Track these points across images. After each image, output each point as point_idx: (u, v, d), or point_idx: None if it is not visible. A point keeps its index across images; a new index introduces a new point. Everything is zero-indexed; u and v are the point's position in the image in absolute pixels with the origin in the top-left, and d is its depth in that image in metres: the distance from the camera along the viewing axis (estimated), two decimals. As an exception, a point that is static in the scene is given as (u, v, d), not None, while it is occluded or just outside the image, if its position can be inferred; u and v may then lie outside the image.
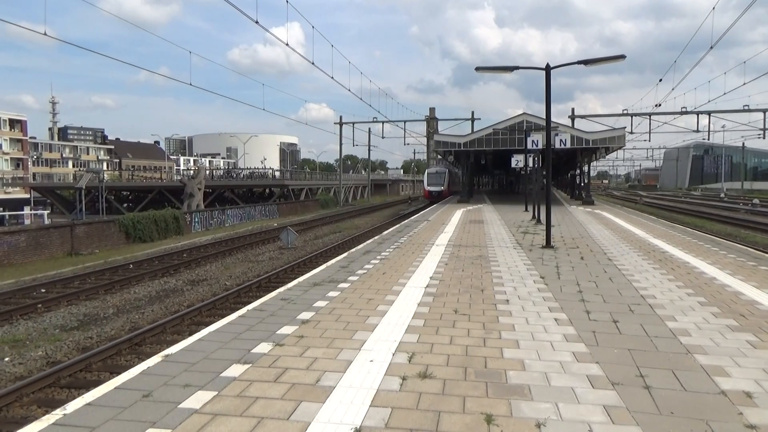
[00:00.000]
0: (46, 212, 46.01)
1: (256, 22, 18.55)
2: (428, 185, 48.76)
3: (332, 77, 32.37)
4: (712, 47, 24.16)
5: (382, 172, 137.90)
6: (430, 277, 9.03)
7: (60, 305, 12.87)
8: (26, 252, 19.85)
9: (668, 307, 6.97)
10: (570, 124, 38.26)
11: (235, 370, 4.77)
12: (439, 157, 47.34)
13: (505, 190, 61.91)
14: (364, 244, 14.23)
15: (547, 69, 12.79)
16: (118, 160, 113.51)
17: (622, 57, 12.46)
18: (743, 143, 76.52)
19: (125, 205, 54.83)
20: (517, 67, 13.35)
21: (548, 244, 12.78)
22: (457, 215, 23.00)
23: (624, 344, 5.44)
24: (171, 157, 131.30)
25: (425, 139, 58.52)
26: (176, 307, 12.65)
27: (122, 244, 24.36)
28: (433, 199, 45.66)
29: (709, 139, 55.53)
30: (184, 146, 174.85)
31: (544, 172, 18.28)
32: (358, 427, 3.70)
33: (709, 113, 41.09)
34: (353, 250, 13.04)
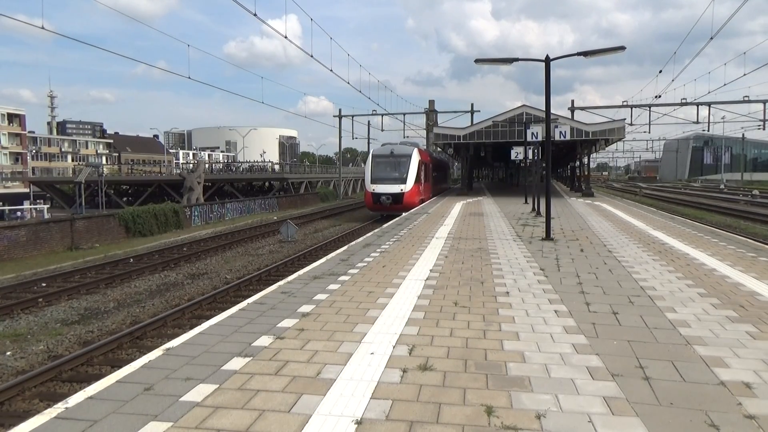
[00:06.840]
0: (45, 207, 45.94)
1: (255, 15, 18.48)
2: (372, 181, 26.98)
3: (331, 70, 32.19)
4: (712, 38, 24.08)
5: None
6: (430, 270, 9.04)
7: (61, 299, 12.89)
8: (26, 246, 19.85)
9: (668, 298, 6.98)
10: (569, 116, 38.16)
11: (236, 363, 4.78)
12: (439, 150, 45.96)
13: (505, 182, 61.87)
14: (364, 237, 14.22)
15: (547, 61, 12.73)
16: (117, 154, 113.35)
17: (622, 48, 12.41)
18: (743, 134, 76.48)
19: (125, 199, 54.84)
20: (517, 59, 13.28)
21: (548, 237, 12.78)
22: (456, 208, 23.00)
23: (624, 336, 5.46)
24: (170, 150, 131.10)
25: (425, 132, 58.05)
26: (177, 300, 12.67)
27: (122, 238, 24.37)
28: (383, 209, 26.59)
29: (708, 131, 55.35)
30: (183, 140, 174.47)
31: (544, 164, 18.25)
32: (359, 419, 3.71)
33: (709, 104, 40.95)
34: (353, 243, 13.03)
